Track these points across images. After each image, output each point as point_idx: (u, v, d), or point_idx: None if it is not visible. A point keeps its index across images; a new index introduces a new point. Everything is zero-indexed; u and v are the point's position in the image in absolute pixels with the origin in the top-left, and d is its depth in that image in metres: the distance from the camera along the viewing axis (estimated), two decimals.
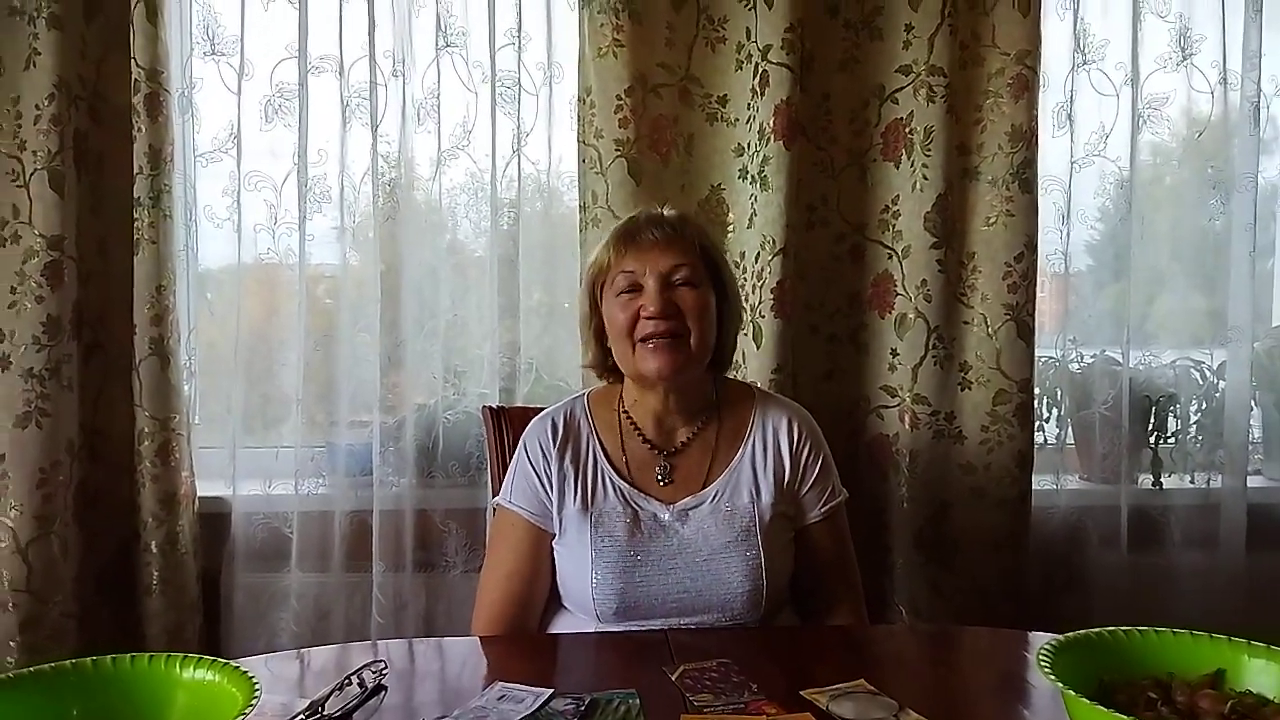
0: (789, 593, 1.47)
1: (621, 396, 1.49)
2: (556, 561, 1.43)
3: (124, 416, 1.95)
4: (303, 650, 1.39)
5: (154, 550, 1.93)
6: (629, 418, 1.47)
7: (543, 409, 1.58)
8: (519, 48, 2.01)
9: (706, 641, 1.28)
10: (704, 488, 1.42)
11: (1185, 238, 2.15)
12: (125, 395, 1.95)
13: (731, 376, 1.59)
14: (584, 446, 1.45)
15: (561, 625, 1.45)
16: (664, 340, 1.36)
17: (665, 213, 1.46)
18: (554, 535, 1.43)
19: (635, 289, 1.38)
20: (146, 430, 1.93)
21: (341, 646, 1.43)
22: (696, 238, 1.43)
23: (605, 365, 1.49)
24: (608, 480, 1.42)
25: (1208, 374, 2.13)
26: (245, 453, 2.05)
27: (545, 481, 1.43)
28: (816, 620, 1.48)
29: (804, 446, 1.46)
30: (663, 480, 1.43)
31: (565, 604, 1.45)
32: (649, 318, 1.36)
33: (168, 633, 1.94)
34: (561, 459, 1.43)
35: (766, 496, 1.42)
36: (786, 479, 1.44)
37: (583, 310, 1.48)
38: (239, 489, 2.03)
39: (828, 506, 1.47)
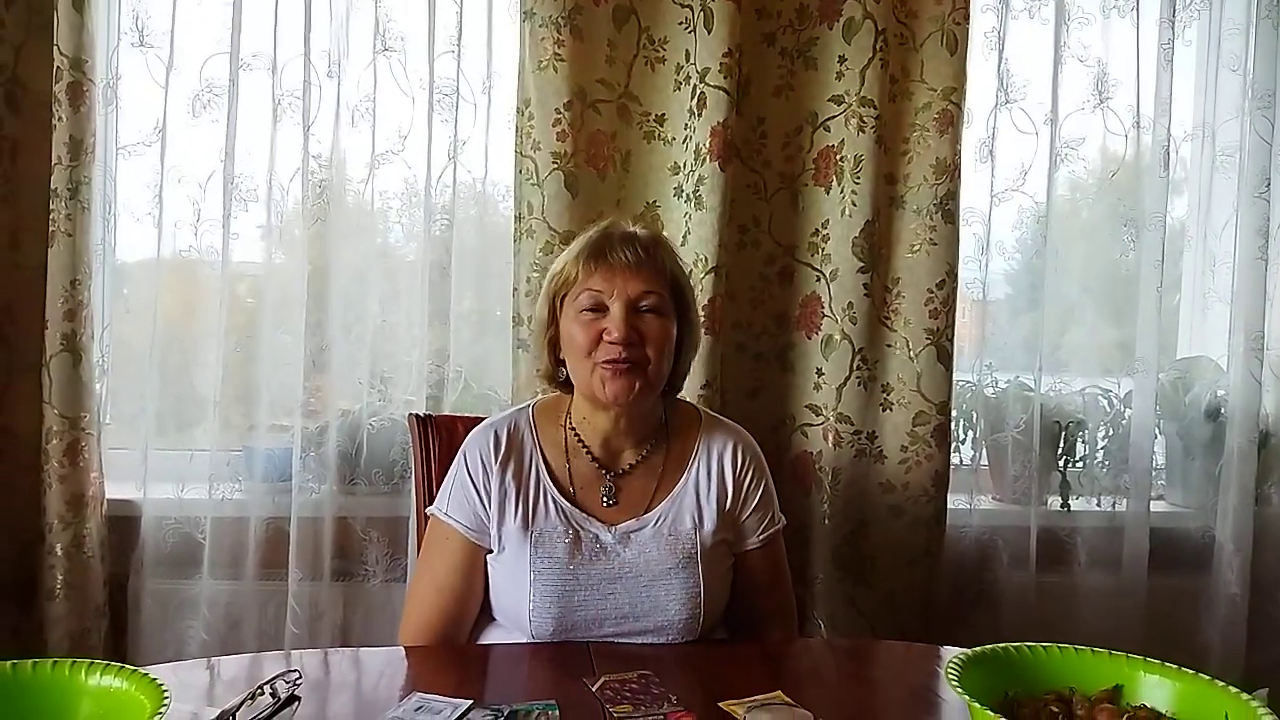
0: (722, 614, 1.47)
1: (570, 411, 1.45)
2: (491, 576, 1.41)
3: (31, 414, 1.88)
4: (213, 659, 1.35)
5: (59, 553, 1.86)
6: (576, 435, 1.44)
7: (471, 418, 1.56)
8: (458, 56, 2.01)
9: (627, 654, 1.29)
10: (648, 511, 1.41)
11: (1097, 271, 2.24)
12: (34, 392, 1.88)
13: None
14: (527, 461, 1.41)
15: (492, 640, 1.43)
16: (623, 366, 1.33)
17: (638, 232, 1.41)
18: (481, 547, 1.40)
19: (600, 309, 1.35)
20: (55, 429, 1.86)
21: (253, 656, 1.40)
22: (668, 264, 1.39)
23: (556, 377, 1.45)
24: (550, 499, 1.39)
25: (1115, 402, 2.21)
26: (157, 454, 1.98)
27: (484, 497, 1.40)
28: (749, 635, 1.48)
29: (747, 473, 1.46)
30: (608, 501, 1.41)
31: (498, 618, 1.43)
32: (611, 342, 1.33)
33: (71, 638, 1.87)
34: (503, 473, 1.40)
35: (709, 524, 1.41)
36: (729, 504, 1.44)
37: (540, 318, 1.44)
38: (150, 492, 1.97)
39: (767, 534, 1.47)
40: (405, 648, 1.40)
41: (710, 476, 1.44)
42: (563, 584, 1.34)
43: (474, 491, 1.40)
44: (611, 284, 1.34)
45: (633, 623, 1.35)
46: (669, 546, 1.38)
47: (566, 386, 1.45)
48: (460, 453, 1.45)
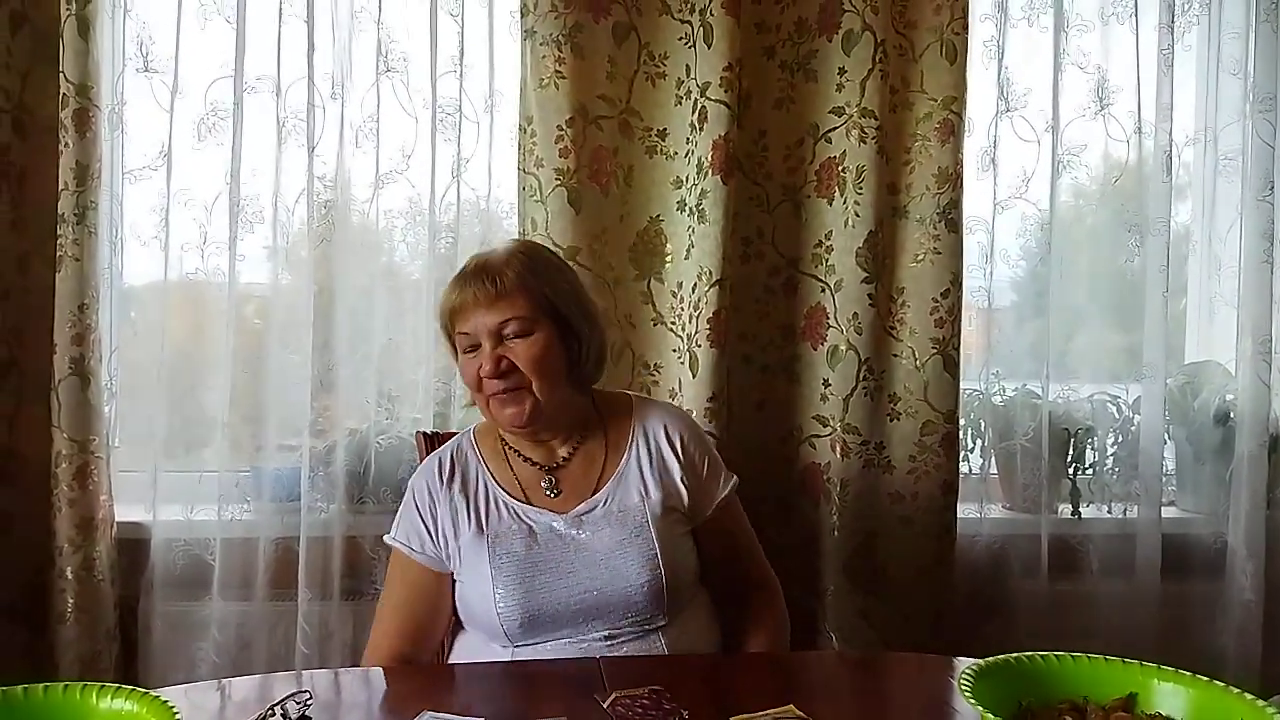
0: (695, 591, 1.49)
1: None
2: (460, 593, 1.45)
3: (41, 438, 1.89)
4: (224, 681, 1.35)
5: (69, 577, 1.87)
6: (510, 446, 1.50)
7: None
8: (460, 75, 2.02)
9: (638, 669, 1.29)
10: (595, 493, 1.46)
11: (1102, 277, 2.23)
12: (43, 416, 1.88)
13: (656, 395, 1.60)
14: (473, 476, 1.49)
15: (464, 649, 1.46)
16: (504, 396, 1.41)
17: (493, 255, 1.45)
18: (441, 573, 1.45)
19: (475, 347, 1.42)
20: (64, 452, 1.86)
21: (264, 677, 1.39)
22: (525, 280, 1.41)
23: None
24: (499, 502, 1.46)
25: (1123, 408, 2.20)
26: (167, 476, 1.99)
27: (430, 524, 1.46)
28: (740, 605, 1.53)
29: (688, 447, 1.51)
30: (550, 493, 1.46)
31: (471, 630, 1.46)
32: (487, 377, 1.40)
33: (82, 662, 1.87)
34: (450, 492, 1.47)
35: (655, 494, 1.46)
36: (678, 478, 1.48)
37: (450, 352, 1.51)
38: (159, 514, 1.98)
39: (724, 493, 1.52)
40: (414, 666, 1.40)
41: (650, 454, 1.49)
42: (522, 572, 1.39)
43: (419, 520, 1.46)
44: (474, 321, 1.41)
45: (596, 596, 1.38)
46: (620, 520, 1.43)
47: None
48: (409, 485, 1.51)
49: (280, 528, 1.99)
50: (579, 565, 1.39)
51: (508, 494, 1.46)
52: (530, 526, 1.43)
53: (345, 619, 2.00)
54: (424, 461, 1.54)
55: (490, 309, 1.40)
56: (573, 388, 1.48)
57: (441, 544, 1.45)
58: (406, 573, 1.47)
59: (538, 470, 1.48)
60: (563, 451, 1.50)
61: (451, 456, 1.51)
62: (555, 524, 1.43)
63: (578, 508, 1.45)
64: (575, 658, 1.35)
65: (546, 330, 1.42)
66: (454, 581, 1.46)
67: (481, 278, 1.41)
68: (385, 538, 1.51)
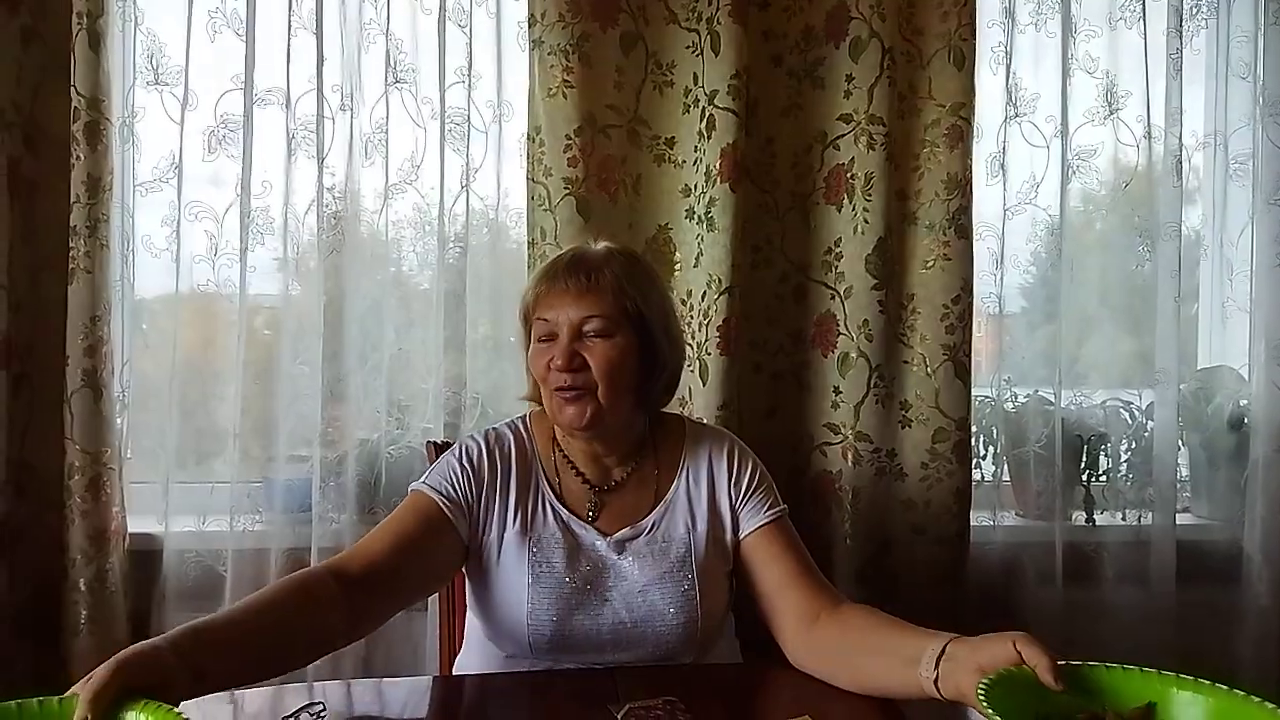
0: (722, 626, 1.45)
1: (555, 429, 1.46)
2: (485, 598, 1.39)
3: (53, 450, 1.89)
4: (236, 692, 1.35)
5: (82, 588, 1.87)
6: (563, 453, 1.45)
7: None
8: (469, 86, 2.03)
9: (652, 679, 1.28)
10: (641, 520, 1.41)
11: (1114, 283, 2.22)
12: (55, 428, 1.89)
13: (679, 412, 1.59)
14: (529, 467, 1.43)
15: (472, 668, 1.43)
16: (570, 394, 1.34)
17: (593, 252, 1.40)
18: (457, 533, 1.37)
19: (551, 337, 1.36)
20: (77, 464, 1.87)
21: (277, 688, 1.39)
22: (621, 283, 1.36)
23: (537, 398, 1.44)
24: (549, 506, 1.40)
25: (1136, 414, 2.19)
26: (179, 488, 1.99)
27: (477, 488, 1.38)
28: (824, 631, 1.31)
29: (736, 466, 1.44)
30: (592, 514, 1.41)
31: (490, 632, 1.40)
32: (557, 370, 1.34)
33: None
34: (508, 473, 1.41)
35: (701, 526, 1.41)
36: (725, 502, 1.42)
37: (520, 341, 1.46)
38: (171, 525, 1.98)
39: (772, 511, 1.42)
40: (428, 678, 1.39)
41: (700, 482, 1.44)
42: (560, 589, 1.34)
43: (462, 476, 1.39)
44: (558, 311, 1.35)
45: (630, 630, 1.34)
46: (663, 552, 1.38)
47: None
48: (464, 442, 1.44)
49: (292, 538, 1.99)
50: (615, 593, 1.35)
51: (558, 499, 1.41)
52: (574, 540, 1.38)
53: None
54: (477, 432, 1.46)
55: (577, 302, 1.34)
56: (636, 407, 1.42)
57: (480, 519, 1.38)
58: (424, 510, 1.36)
59: (587, 489, 1.42)
60: (618, 475, 1.44)
61: (514, 436, 1.45)
62: (597, 543, 1.38)
63: (622, 532, 1.39)
64: (587, 668, 1.34)
65: (628, 338, 1.36)
66: (464, 577, 1.41)
67: (576, 270, 1.36)
68: (412, 485, 1.41)
